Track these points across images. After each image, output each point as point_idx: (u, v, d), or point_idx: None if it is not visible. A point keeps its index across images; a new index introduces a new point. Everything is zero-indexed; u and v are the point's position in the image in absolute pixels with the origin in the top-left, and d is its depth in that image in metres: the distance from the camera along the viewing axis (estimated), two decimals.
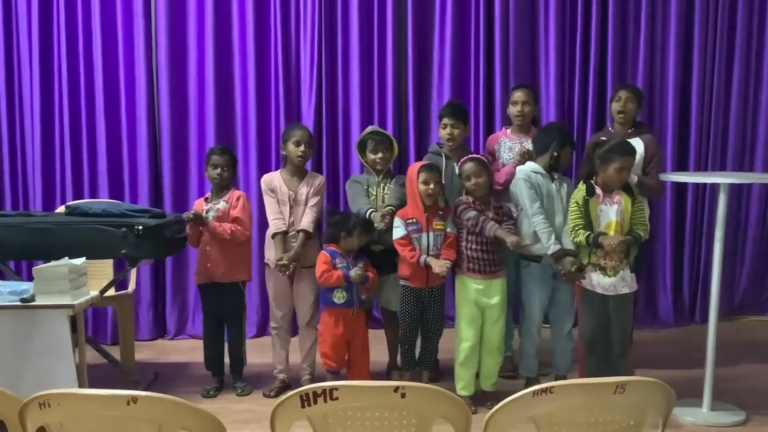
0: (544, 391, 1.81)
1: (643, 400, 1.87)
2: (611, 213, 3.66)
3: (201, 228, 4.11)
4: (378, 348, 4.31)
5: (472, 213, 3.79)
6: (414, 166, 3.94)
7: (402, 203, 3.99)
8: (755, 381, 4.33)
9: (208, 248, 4.12)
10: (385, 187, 4.14)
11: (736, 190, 5.52)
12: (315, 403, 1.83)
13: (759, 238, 5.62)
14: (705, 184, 5.33)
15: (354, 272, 3.84)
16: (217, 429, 1.82)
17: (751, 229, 5.61)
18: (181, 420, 1.81)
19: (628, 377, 1.84)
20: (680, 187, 5.40)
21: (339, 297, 3.89)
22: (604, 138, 4.04)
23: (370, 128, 4.35)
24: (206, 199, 4.20)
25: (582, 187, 3.75)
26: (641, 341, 4.90)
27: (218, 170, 4.12)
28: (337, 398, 1.83)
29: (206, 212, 4.12)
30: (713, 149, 5.40)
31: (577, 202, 3.74)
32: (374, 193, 4.14)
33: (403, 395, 1.82)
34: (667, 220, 5.43)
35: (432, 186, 3.82)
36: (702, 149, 5.41)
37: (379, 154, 4.12)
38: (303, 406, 1.84)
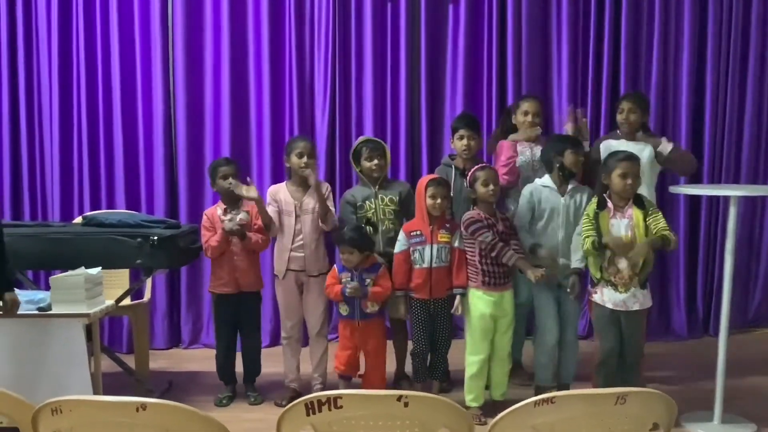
0: (545, 401, 1.84)
1: (643, 411, 1.89)
2: (621, 227, 3.66)
3: (232, 239, 4.12)
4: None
5: (488, 236, 3.81)
6: (423, 179, 3.99)
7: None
8: (766, 392, 4.32)
9: (236, 258, 4.15)
10: (385, 199, 4.17)
11: (750, 204, 5.51)
12: (320, 411, 1.87)
13: None
14: (719, 197, 5.32)
15: (348, 288, 3.88)
16: None
17: (765, 242, 5.59)
18: (189, 427, 1.85)
19: (629, 388, 1.86)
20: (694, 200, 5.40)
21: (343, 309, 3.99)
22: (611, 140, 4.19)
23: (362, 138, 4.42)
24: (225, 211, 4.16)
25: (594, 200, 3.78)
26: (655, 354, 4.89)
27: (229, 179, 4.14)
28: (341, 407, 1.86)
29: (230, 228, 4.10)
30: (727, 162, 5.40)
31: (588, 215, 3.76)
32: (372, 206, 4.16)
33: (406, 404, 1.85)
34: (680, 233, 5.41)
35: (439, 200, 3.87)
36: (716, 162, 5.41)
37: (375, 161, 4.16)
38: (308, 414, 1.88)
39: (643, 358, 4.47)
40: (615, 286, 3.68)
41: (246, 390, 4.30)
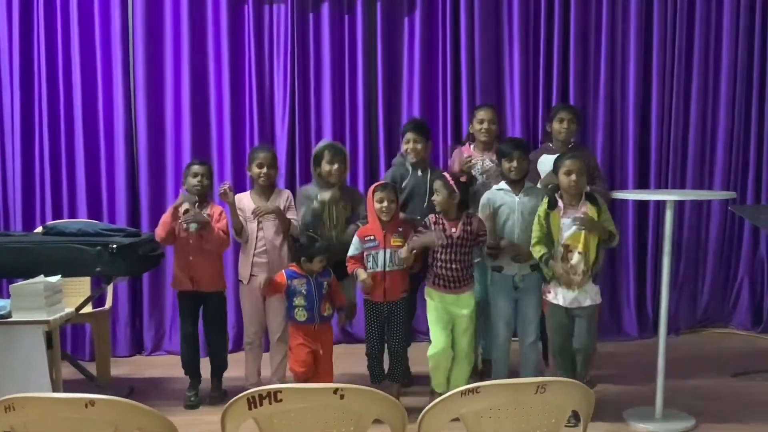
0: (471, 391, 1.97)
1: (562, 399, 2.03)
2: (573, 225, 3.78)
3: (191, 240, 4.20)
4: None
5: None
6: (372, 186, 4.13)
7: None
8: (708, 389, 4.51)
9: (191, 258, 4.23)
10: (340, 205, 4.25)
11: (696, 207, 5.72)
12: (261, 405, 1.98)
13: (719, 253, 5.81)
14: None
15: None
16: (170, 429, 1.96)
17: (712, 244, 5.79)
18: (136, 421, 1.95)
19: (549, 378, 2.00)
20: (642, 204, 5.59)
21: (300, 315, 4.01)
22: (546, 154, 4.34)
23: (325, 141, 4.49)
24: (186, 211, 4.23)
25: (544, 201, 3.91)
26: (605, 353, 5.05)
27: (198, 178, 4.23)
28: (281, 400, 1.98)
29: (187, 224, 4.17)
30: (673, 167, 5.60)
31: (539, 216, 3.89)
32: (326, 210, 4.24)
33: (342, 397, 1.97)
34: (629, 236, 5.62)
35: (386, 204, 3.99)
36: (662, 167, 5.61)
37: (335, 165, 4.23)
38: (250, 408, 1.99)
39: (594, 356, 4.66)
40: (569, 285, 3.82)
41: (211, 385, 4.40)
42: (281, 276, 4.05)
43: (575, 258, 3.78)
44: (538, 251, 3.85)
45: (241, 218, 4.27)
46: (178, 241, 4.26)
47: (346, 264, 4.11)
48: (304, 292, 4.00)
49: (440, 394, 3.94)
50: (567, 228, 3.80)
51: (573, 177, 3.78)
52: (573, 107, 4.70)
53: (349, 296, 4.37)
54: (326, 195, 4.20)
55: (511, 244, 4.04)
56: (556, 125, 4.45)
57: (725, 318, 5.88)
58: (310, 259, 3.99)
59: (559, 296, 3.86)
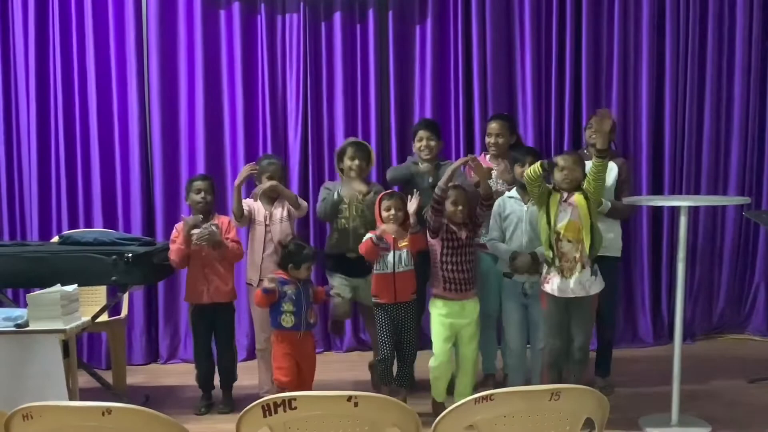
0: (485, 398, 1.98)
1: (576, 407, 2.03)
2: (566, 215, 3.75)
3: (213, 249, 4.23)
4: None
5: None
6: (380, 195, 4.15)
7: None
8: (725, 395, 4.48)
9: (206, 270, 4.27)
10: (359, 197, 4.31)
11: (711, 212, 5.70)
12: (275, 412, 1.99)
13: (735, 259, 5.78)
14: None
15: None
16: None
17: (727, 250, 5.76)
18: (152, 429, 1.97)
19: (562, 385, 2.00)
20: (656, 210, 5.57)
21: (287, 321, 3.94)
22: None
23: (351, 138, 4.58)
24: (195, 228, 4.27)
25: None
26: (621, 360, 5.02)
27: (201, 194, 4.30)
28: (295, 408, 1.99)
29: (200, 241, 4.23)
30: (687, 173, 5.58)
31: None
32: (346, 203, 4.30)
33: (356, 404, 1.98)
34: (644, 242, 5.59)
35: (393, 212, 4.02)
36: (676, 173, 5.58)
37: (356, 162, 4.30)
38: (265, 416, 2.00)
39: (610, 360, 4.65)
40: (561, 272, 3.79)
41: (222, 397, 4.41)
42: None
43: (566, 246, 3.75)
44: (536, 166, 3.73)
45: (248, 211, 4.33)
46: (193, 256, 4.28)
47: (359, 249, 4.09)
48: (294, 298, 3.95)
49: (441, 403, 4.02)
50: (562, 215, 3.76)
51: (565, 173, 3.76)
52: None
53: (367, 297, 4.39)
54: (346, 190, 4.28)
55: (528, 262, 4.00)
56: (588, 132, 4.45)
57: (741, 324, 5.84)
58: (298, 266, 3.96)
59: (554, 285, 3.80)
